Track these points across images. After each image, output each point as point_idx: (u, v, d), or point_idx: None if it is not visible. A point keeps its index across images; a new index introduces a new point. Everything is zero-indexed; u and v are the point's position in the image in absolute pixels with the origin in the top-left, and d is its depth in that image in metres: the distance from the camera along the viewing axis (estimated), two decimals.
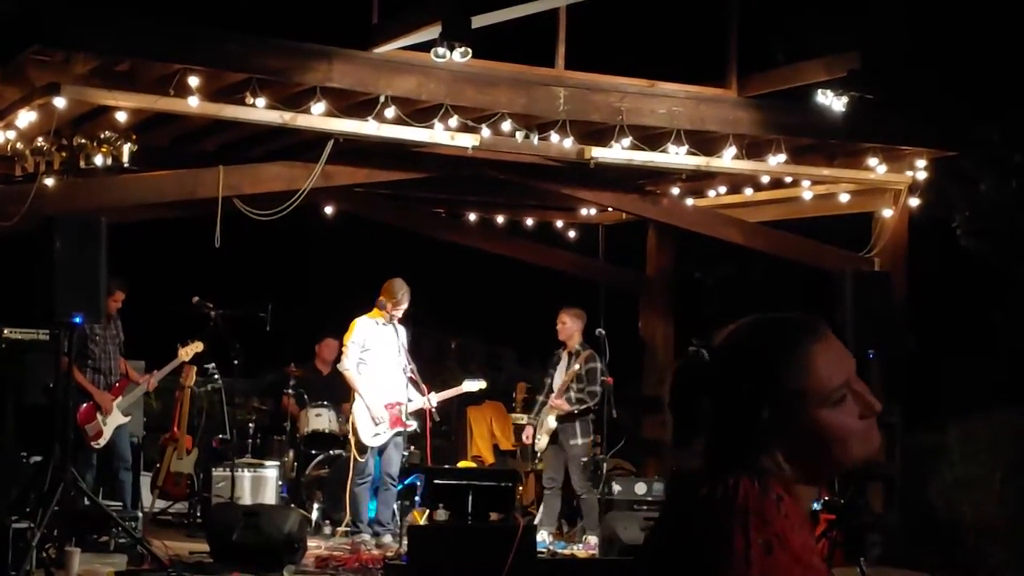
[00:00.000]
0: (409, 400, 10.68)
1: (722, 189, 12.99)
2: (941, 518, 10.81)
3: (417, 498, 11.02)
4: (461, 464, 12.65)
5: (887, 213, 11.89)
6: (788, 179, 12.25)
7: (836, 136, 11.16)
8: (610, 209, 13.84)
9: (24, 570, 8.31)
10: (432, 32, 9.02)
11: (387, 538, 10.63)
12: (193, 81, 9.33)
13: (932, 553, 10.43)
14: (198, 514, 11.26)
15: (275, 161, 11.03)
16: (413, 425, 10.77)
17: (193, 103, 9.43)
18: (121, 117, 9.81)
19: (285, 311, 12.13)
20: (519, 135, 10.53)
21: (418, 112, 10.19)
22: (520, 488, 11.95)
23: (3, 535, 8.34)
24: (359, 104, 10.06)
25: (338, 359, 11.12)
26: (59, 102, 9.15)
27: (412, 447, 11.39)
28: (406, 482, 11.02)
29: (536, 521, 11.14)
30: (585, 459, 11.22)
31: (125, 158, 9.78)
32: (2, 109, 9.83)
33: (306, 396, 12.16)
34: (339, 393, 11.67)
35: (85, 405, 10.36)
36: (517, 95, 10.28)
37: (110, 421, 10.53)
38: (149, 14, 9.48)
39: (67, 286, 8.97)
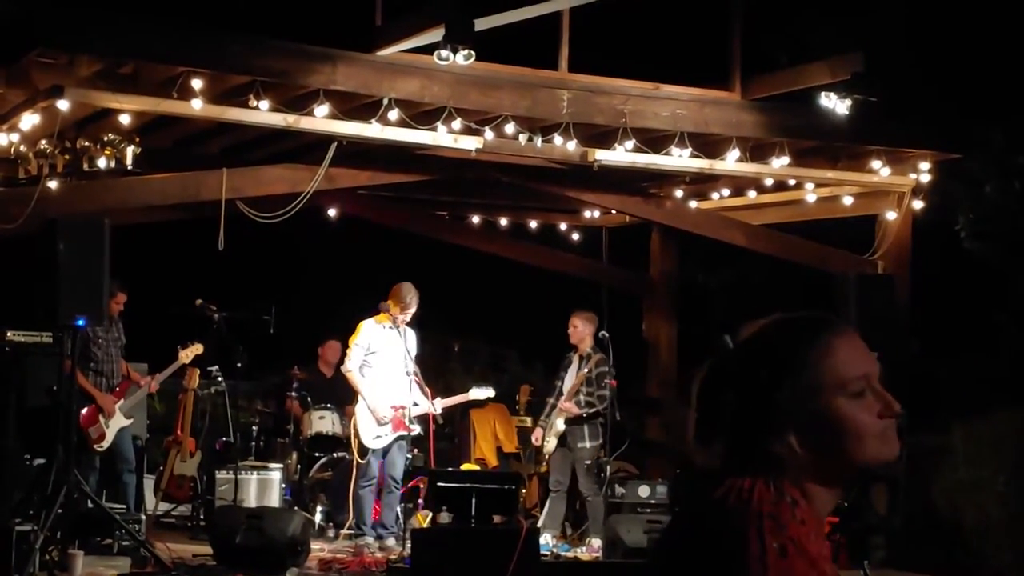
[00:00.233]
0: (415, 404, 10.67)
1: (726, 192, 12.98)
2: (944, 520, 10.79)
3: (420, 501, 11.02)
4: (464, 467, 12.65)
5: (891, 216, 11.89)
6: (792, 182, 12.24)
7: (840, 139, 11.15)
8: (614, 211, 13.84)
9: (27, 572, 8.31)
10: (436, 35, 9.02)
11: (390, 541, 10.62)
12: (196, 83, 9.33)
13: (935, 555, 10.41)
14: (201, 517, 11.25)
15: (278, 163, 11.04)
16: (417, 429, 10.76)
17: (196, 105, 9.43)
18: (124, 119, 9.81)
19: (288, 313, 12.13)
20: (523, 137, 10.53)
21: (421, 115, 10.19)
22: (523, 491, 11.94)
23: (6, 537, 8.34)
24: (363, 106, 10.06)
25: (342, 361, 11.12)
26: (63, 105, 9.15)
27: (415, 450, 11.38)
28: (409, 485, 11.01)
29: (539, 524, 11.13)
30: (589, 462, 11.21)
31: (128, 161, 9.79)
32: (6, 112, 9.84)
33: (309, 398, 12.15)
34: (342, 396, 11.66)
35: (88, 408, 10.36)
36: (521, 97, 10.27)
37: (112, 424, 10.53)
38: (152, 16, 9.48)
39: (70, 289, 8.98)
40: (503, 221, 14.59)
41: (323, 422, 11.90)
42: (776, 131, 11.09)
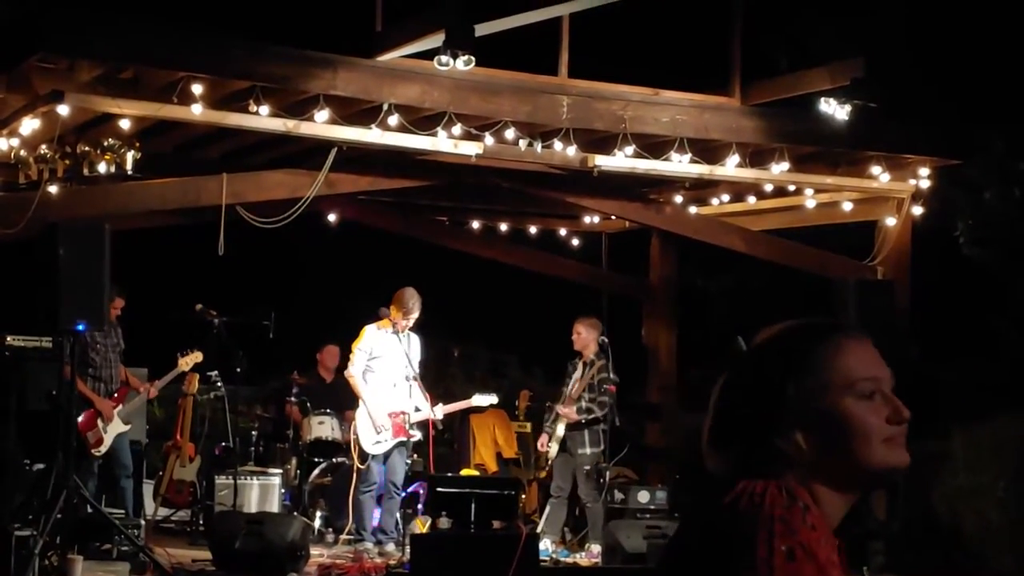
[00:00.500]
0: (417, 409, 10.67)
1: (725, 197, 12.99)
2: (944, 525, 10.79)
3: (420, 506, 11.02)
4: (464, 472, 12.64)
5: (890, 221, 11.89)
6: (791, 187, 12.24)
7: (839, 144, 11.15)
8: (613, 217, 13.84)
9: None
10: (436, 40, 9.03)
11: (390, 546, 10.62)
12: (197, 88, 9.34)
13: (935, 560, 10.41)
14: (201, 522, 11.25)
15: (278, 169, 11.04)
16: (417, 435, 10.76)
17: (197, 111, 9.44)
18: (125, 124, 9.82)
19: (288, 319, 12.13)
20: (522, 143, 10.54)
21: (421, 120, 10.20)
22: (523, 496, 11.94)
23: (6, 542, 8.34)
24: (363, 112, 10.06)
25: (342, 366, 11.11)
26: (63, 110, 9.16)
27: (415, 455, 11.38)
28: (408, 490, 11.02)
29: (539, 529, 11.12)
30: (589, 468, 11.20)
31: (129, 165, 9.79)
32: (6, 116, 9.84)
33: (309, 404, 12.15)
34: (342, 401, 11.66)
35: (86, 412, 10.36)
36: (521, 103, 10.28)
37: (111, 429, 10.53)
38: (153, 21, 9.48)
39: (70, 293, 8.98)
40: (503, 226, 14.59)
41: (322, 427, 11.89)
42: (776, 137, 11.09)
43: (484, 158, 10.70)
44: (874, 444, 2.01)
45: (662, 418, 13.91)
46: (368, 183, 11.44)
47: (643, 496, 11.39)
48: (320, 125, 9.86)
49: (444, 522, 10.34)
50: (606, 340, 11.33)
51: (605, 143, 10.85)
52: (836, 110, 10.35)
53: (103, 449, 10.47)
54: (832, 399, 2.01)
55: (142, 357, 11.50)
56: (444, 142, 10.27)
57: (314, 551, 10.17)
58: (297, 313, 13.94)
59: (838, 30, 11.70)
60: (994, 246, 11.33)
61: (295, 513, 11.09)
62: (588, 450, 11.25)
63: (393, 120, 9.93)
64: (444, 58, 8.91)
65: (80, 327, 9.16)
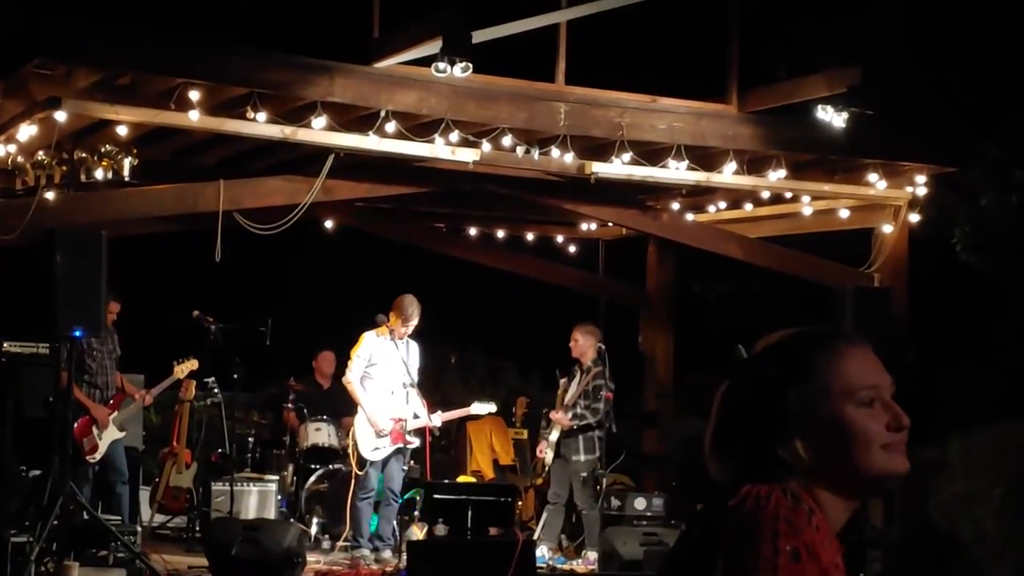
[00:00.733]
0: (415, 416, 10.67)
1: (722, 204, 13.00)
2: (941, 533, 10.78)
3: (416, 513, 11.01)
4: (461, 479, 12.63)
5: (887, 229, 11.90)
6: (788, 194, 12.25)
7: (836, 152, 11.16)
8: (610, 224, 13.85)
9: None
10: (433, 47, 9.03)
11: (386, 553, 10.62)
12: (194, 95, 9.33)
13: (932, 569, 10.40)
14: (197, 528, 11.24)
15: (276, 175, 11.04)
16: (415, 442, 10.76)
17: (194, 117, 9.44)
18: (122, 131, 9.82)
19: (285, 325, 12.13)
20: (520, 150, 10.54)
21: (419, 127, 10.20)
22: (519, 503, 11.94)
23: (2, 549, 8.34)
24: (360, 118, 10.06)
25: (339, 372, 11.11)
26: (60, 116, 9.16)
27: (412, 462, 11.37)
28: (405, 497, 11.01)
29: (535, 536, 11.12)
30: (585, 474, 11.19)
31: (126, 172, 9.79)
32: (3, 122, 9.83)
33: (306, 410, 12.15)
34: (339, 407, 11.66)
35: (81, 419, 10.35)
36: (518, 110, 10.28)
37: (106, 435, 10.51)
38: (150, 28, 9.48)
39: (67, 300, 8.98)
40: (500, 233, 14.59)
41: (319, 434, 11.88)
42: (773, 144, 11.10)
43: (481, 165, 10.71)
44: (874, 451, 2.02)
45: (659, 425, 13.91)
46: (365, 190, 11.44)
47: (640, 503, 11.38)
48: (317, 132, 9.85)
49: (441, 529, 10.33)
50: (603, 347, 11.33)
51: (602, 150, 10.86)
52: (833, 117, 10.35)
53: (98, 456, 10.46)
54: (832, 406, 2.02)
55: (139, 363, 11.49)
56: (441, 149, 10.27)
57: (310, 558, 10.15)
58: (294, 320, 13.94)
59: (835, 38, 11.70)
60: (991, 253, 11.33)
61: (292, 520, 11.08)
62: (582, 457, 11.23)
63: (390, 127, 9.93)
64: (441, 65, 8.92)
65: (77, 333, 9.16)
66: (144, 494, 11.59)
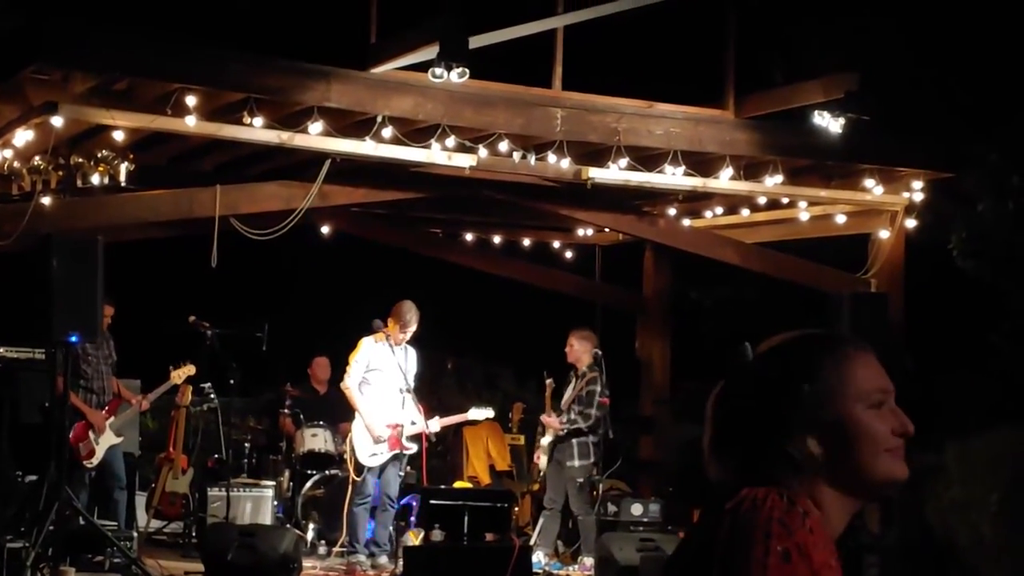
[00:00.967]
0: (412, 423, 10.66)
1: (719, 210, 13.00)
2: (938, 539, 10.78)
3: (413, 518, 11.01)
4: (457, 484, 12.62)
5: (884, 234, 11.90)
6: (785, 200, 12.25)
7: (833, 157, 11.16)
8: (607, 229, 13.85)
9: None
10: (430, 52, 9.03)
11: (383, 559, 10.61)
12: (191, 100, 9.33)
13: (929, 574, 10.40)
14: (193, 534, 11.22)
15: (272, 180, 11.03)
16: (413, 448, 10.75)
17: (191, 122, 9.44)
18: (118, 136, 9.81)
19: (282, 331, 12.12)
20: (516, 155, 10.54)
21: (415, 132, 10.20)
22: (516, 509, 11.93)
23: None
24: (357, 124, 10.06)
25: (334, 378, 11.10)
26: (56, 121, 9.15)
27: (408, 467, 11.37)
28: (401, 502, 11.01)
29: (532, 542, 11.11)
30: (581, 480, 11.18)
31: (122, 177, 9.78)
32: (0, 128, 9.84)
33: (302, 416, 12.14)
34: (335, 413, 11.65)
35: (77, 424, 10.33)
36: (514, 115, 10.28)
37: (102, 441, 10.50)
38: (147, 33, 9.48)
39: (64, 305, 8.97)
40: (496, 239, 14.59)
41: (315, 440, 11.87)
42: (769, 149, 11.10)
43: (478, 170, 10.71)
44: (879, 453, 2.04)
45: (655, 430, 13.91)
46: (362, 195, 11.44)
47: (636, 508, 11.37)
48: (314, 137, 9.85)
49: (437, 534, 10.33)
50: (600, 353, 11.33)
51: (599, 155, 10.86)
52: (830, 123, 10.36)
53: (95, 461, 10.44)
54: (843, 406, 2.04)
55: (135, 369, 11.49)
56: (438, 154, 10.27)
57: (307, 563, 10.15)
58: (290, 325, 13.93)
59: (832, 43, 11.72)
60: (987, 259, 11.34)
61: (288, 525, 11.07)
62: (576, 462, 11.22)
63: (387, 132, 9.93)
64: (438, 70, 8.92)
65: (73, 338, 9.15)
66: (140, 499, 11.57)
